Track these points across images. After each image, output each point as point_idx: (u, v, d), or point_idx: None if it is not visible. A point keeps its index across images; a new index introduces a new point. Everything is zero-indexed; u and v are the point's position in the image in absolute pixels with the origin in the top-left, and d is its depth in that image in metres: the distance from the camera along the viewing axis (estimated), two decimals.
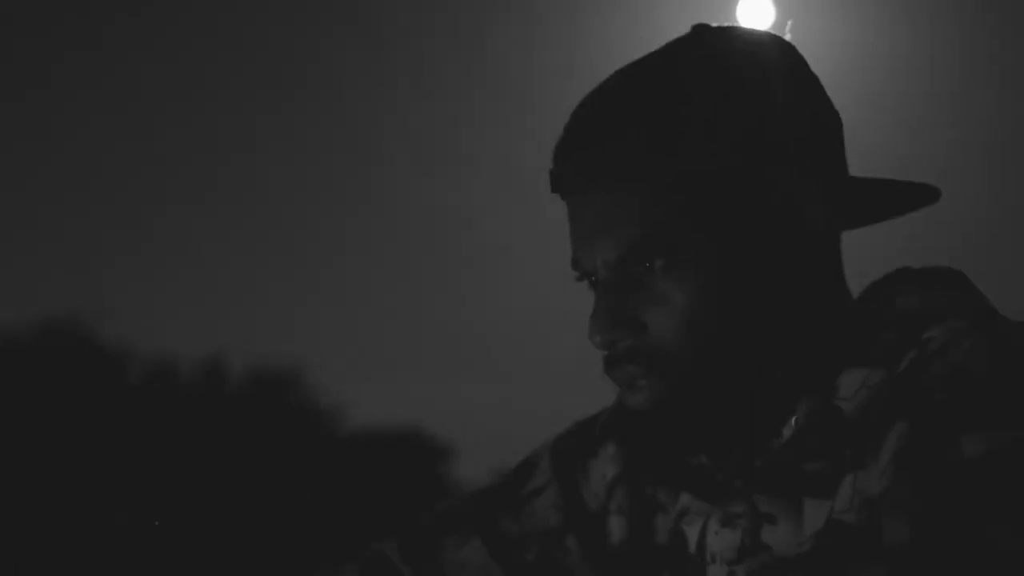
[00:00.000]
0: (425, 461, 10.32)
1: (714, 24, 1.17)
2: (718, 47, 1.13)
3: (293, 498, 8.40)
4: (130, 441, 8.76)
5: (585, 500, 1.28)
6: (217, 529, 7.55)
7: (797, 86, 1.14)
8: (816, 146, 1.12)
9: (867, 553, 1.02)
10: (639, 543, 1.24)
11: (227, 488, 8.45)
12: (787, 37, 1.18)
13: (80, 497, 7.79)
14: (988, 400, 1.00)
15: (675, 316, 1.10)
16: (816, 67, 1.17)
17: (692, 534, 1.18)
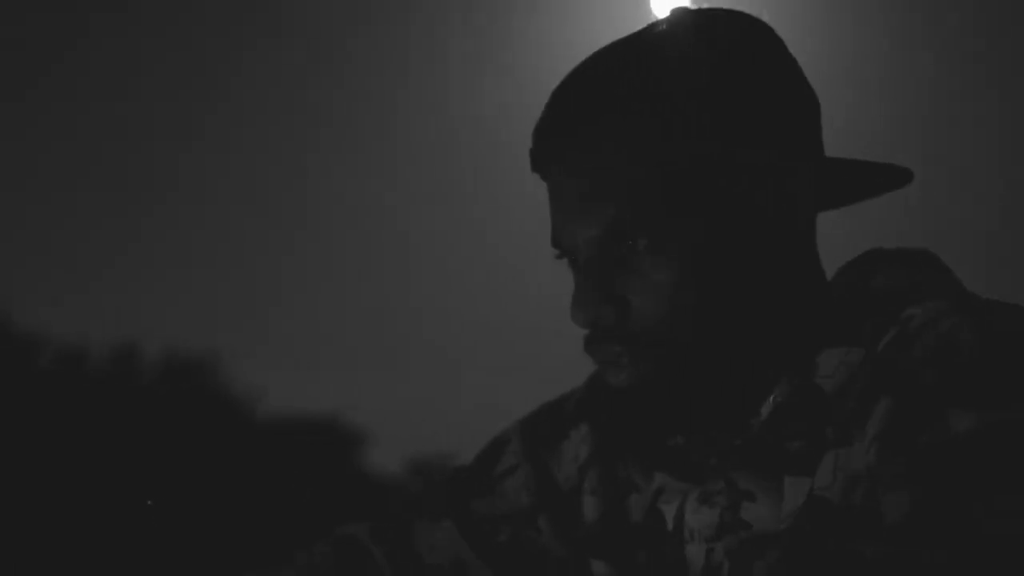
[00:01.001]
0: (340, 450, 10.29)
1: (692, 6, 1.18)
2: (697, 29, 1.14)
3: (207, 485, 8.33)
4: (39, 427, 8.64)
5: (557, 481, 1.28)
6: (127, 516, 7.47)
7: (776, 67, 1.14)
8: (795, 127, 1.13)
9: (857, 529, 1.03)
10: (613, 523, 1.24)
11: (137, 475, 8.37)
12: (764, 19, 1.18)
13: None
14: (975, 378, 1.01)
15: (658, 295, 1.10)
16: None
17: (669, 512, 1.19)
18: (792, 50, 1.18)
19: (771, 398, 1.13)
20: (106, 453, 8.58)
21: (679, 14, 1.16)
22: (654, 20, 1.18)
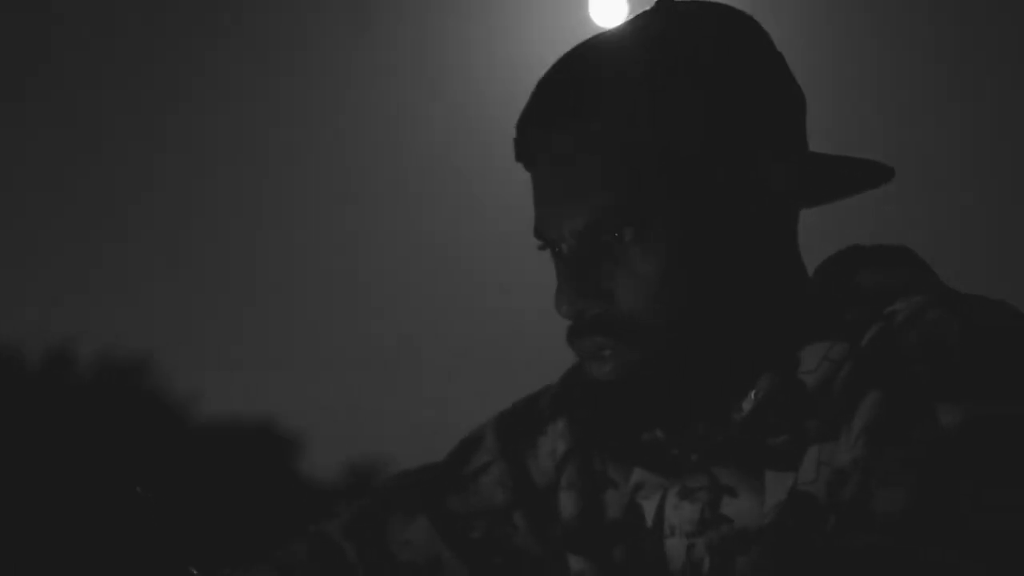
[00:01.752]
0: (276, 454, 10.23)
1: None
2: (683, 20, 1.14)
3: (142, 487, 8.25)
4: None
5: (533, 477, 1.27)
6: (65, 518, 7.39)
7: (763, 62, 1.14)
8: (779, 122, 1.13)
9: (845, 523, 1.02)
10: (591, 518, 1.23)
11: (73, 477, 8.28)
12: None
13: None
14: (963, 372, 1.02)
15: (643, 286, 1.10)
16: None
17: (649, 508, 1.18)
18: (780, 46, 1.18)
19: (753, 393, 1.13)
20: (40, 456, 8.49)
21: (665, 5, 1.16)
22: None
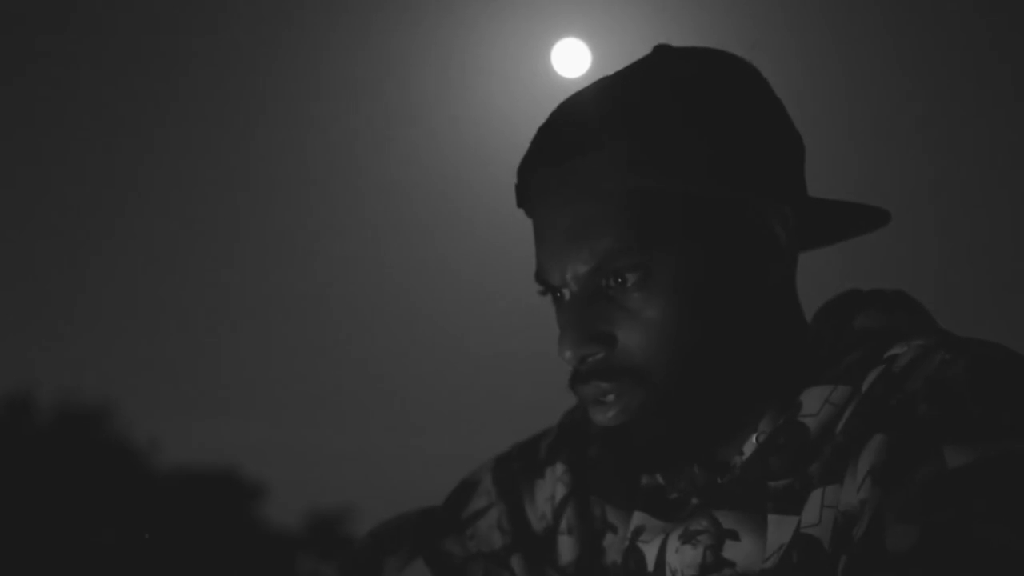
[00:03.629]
0: (237, 501, 10.15)
1: (676, 45, 1.19)
2: (684, 69, 1.15)
3: (105, 537, 8.18)
4: None
5: (530, 521, 1.27)
6: (28, 570, 7.31)
7: (762, 108, 1.15)
8: (780, 168, 1.14)
9: (859, 562, 1.02)
10: (589, 563, 1.23)
11: (34, 525, 8.20)
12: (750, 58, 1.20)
13: None
14: (967, 412, 1.02)
15: (646, 331, 1.10)
16: None
17: (650, 552, 1.18)
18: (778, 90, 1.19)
19: (754, 436, 1.13)
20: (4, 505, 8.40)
21: (664, 52, 1.17)
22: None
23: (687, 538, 1.15)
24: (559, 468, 1.27)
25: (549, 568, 1.26)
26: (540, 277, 1.15)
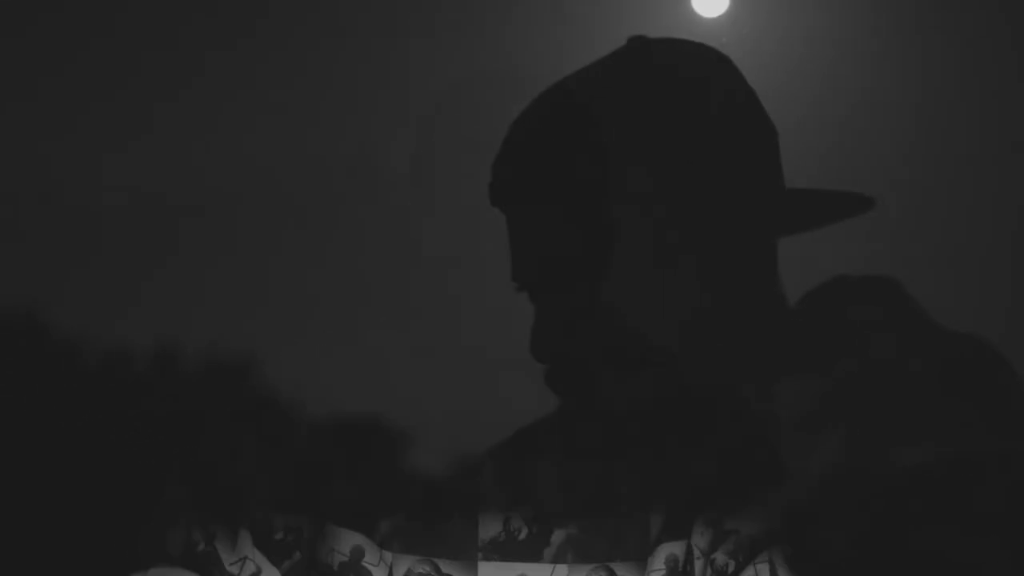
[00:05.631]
0: (385, 449, 10.38)
1: (651, 36, 1.17)
2: (658, 61, 1.13)
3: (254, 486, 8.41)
4: (83, 430, 8.75)
5: None
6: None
7: (735, 100, 1.14)
8: (753, 158, 1.13)
9: (801, 564, 1.01)
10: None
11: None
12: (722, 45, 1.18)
13: (30, 488, 7.77)
14: (923, 412, 1.01)
15: (623, 324, 1.08)
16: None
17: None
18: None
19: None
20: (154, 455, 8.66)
21: (637, 44, 1.16)
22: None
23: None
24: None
25: None
26: (515, 275, 1.15)
